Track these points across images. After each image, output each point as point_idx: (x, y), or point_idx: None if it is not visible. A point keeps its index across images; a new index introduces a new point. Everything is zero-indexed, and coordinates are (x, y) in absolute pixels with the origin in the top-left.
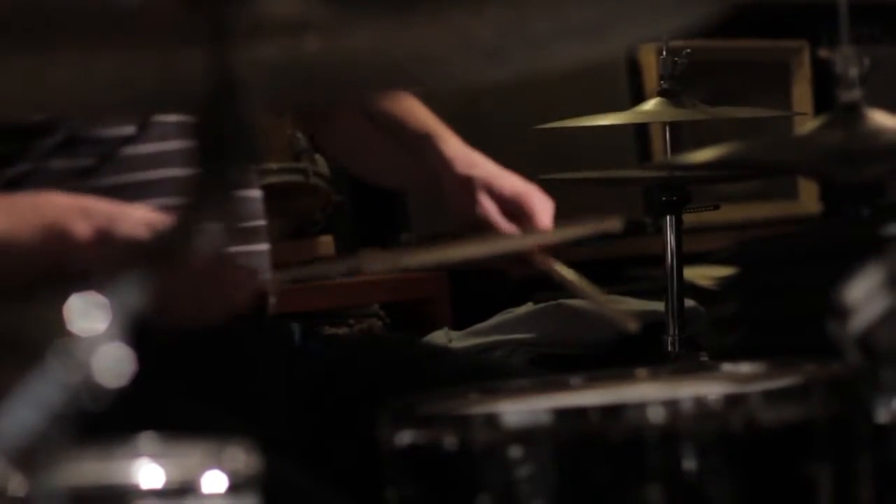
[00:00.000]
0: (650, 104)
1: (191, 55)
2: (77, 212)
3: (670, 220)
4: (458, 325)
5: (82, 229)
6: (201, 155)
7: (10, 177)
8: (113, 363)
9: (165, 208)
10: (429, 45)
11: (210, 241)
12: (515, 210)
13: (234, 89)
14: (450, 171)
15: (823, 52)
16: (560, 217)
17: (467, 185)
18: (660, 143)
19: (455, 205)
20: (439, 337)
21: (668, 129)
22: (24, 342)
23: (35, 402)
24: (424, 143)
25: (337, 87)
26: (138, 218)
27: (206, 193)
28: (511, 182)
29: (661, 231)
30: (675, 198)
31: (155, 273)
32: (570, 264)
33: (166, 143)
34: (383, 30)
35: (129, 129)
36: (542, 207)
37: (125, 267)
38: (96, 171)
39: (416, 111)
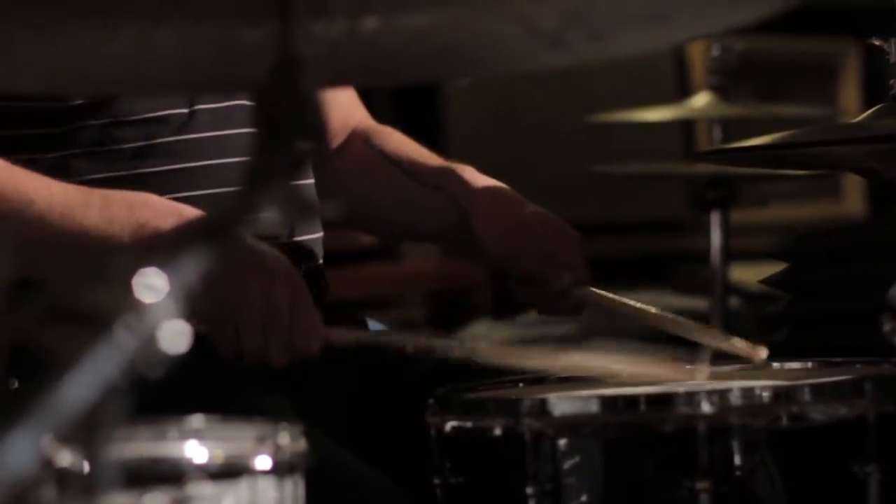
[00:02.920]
0: (700, 99)
1: (253, 31)
2: (171, 214)
3: (718, 218)
4: (499, 315)
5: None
6: (263, 131)
7: (56, 159)
8: (174, 336)
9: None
10: (490, 29)
11: (271, 222)
12: (544, 244)
13: (296, 66)
14: (480, 204)
15: (876, 41)
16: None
17: (499, 219)
18: (705, 139)
19: (486, 239)
20: (480, 328)
21: (717, 124)
22: (93, 314)
23: (98, 373)
24: (448, 177)
25: (395, 66)
26: None
27: (268, 172)
28: (539, 216)
29: (702, 228)
30: (723, 194)
31: (214, 251)
32: (609, 261)
33: (214, 131)
34: (445, 12)
35: (177, 116)
36: (572, 243)
37: (186, 244)
38: (142, 156)
39: (428, 153)
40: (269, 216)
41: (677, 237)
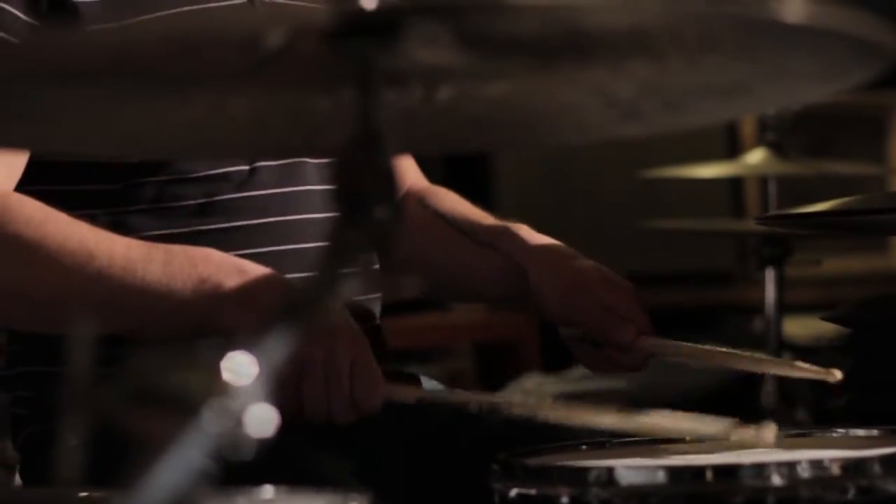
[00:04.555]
0: (754, 155)
1: (327, 99)
2: (233, 270)
3: (772, 274)
4: (548, 369)
5: (236, 287)
6: (343, 205)
7: (116, 215)
8: (260, 420)
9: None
10: (566, 98)
11: (348, 292)
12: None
13: (375, 138)
14: (536, 261)
15: None
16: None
17: (556, 276)
18: (755, 193)
19: (544, 297)
20: (529, 381)
21: (772, 181)
22: (180, 397)
23: (185, 457)
24: (504, 236)
25: (470, 135)
26: (290, 281)
27: (349, 246)
28: (596, 271)
29: (748, 280)
30: (777, 252)
31: (299, 328)
32: (655, 313)
33: (275, 189)
34: (522, 82)
35: (237, 173)
36: (631, 296)
37: (271, 324)
38: (203, 213)
39: (482, 212)
40: (351, 288)
41: (725, 289)
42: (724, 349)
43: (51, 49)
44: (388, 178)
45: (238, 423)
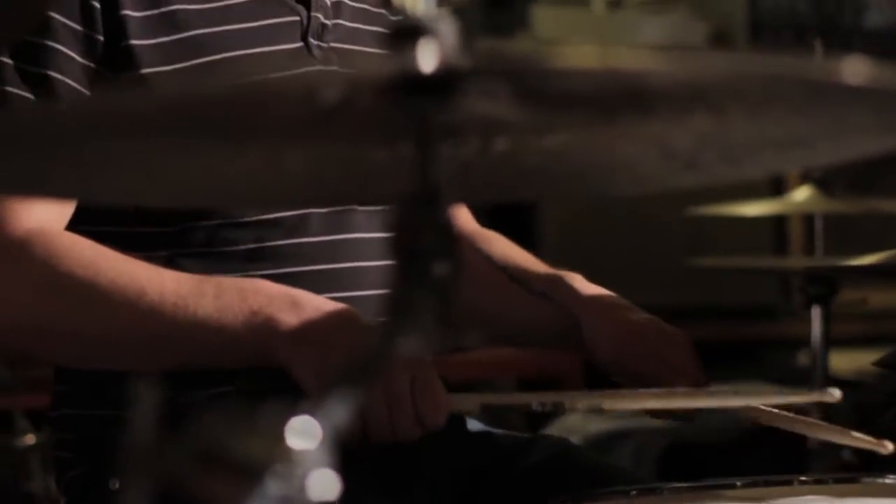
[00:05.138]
0: (801, 193)
1: (384, 151)
2: (285, 301)
3: (818, 312)
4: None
5: (289, 319)
6: (402, 260)
7: (167, 258)
8: (324, 484)
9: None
10: (623, 151)
11: (412, 348)
12: (657, 352)
13: (431, 191)
14: (590, 311)
15: None
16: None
17: (610, 327)
18: (800, 229)
19: (597, 347)
20: (572, 417)
21: (819, 217)
22: (243, 462)
23: None
24: (557, 285)
25: (526, 186)
26: (344, 313)
27: (409, 302)
28: (650, 324)
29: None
30: (823, 291)
31: (361, 388)
32: (698, 346)
33: (326, 236)
34: (579, 135)
35: (288, 219)
36: (685, 350)
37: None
38: (253, 258)
39: (534, 259)
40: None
41: (770, 323)
42: (775, 409)
43: (110, 103)
44: (447, 234)
45: (301, 488)
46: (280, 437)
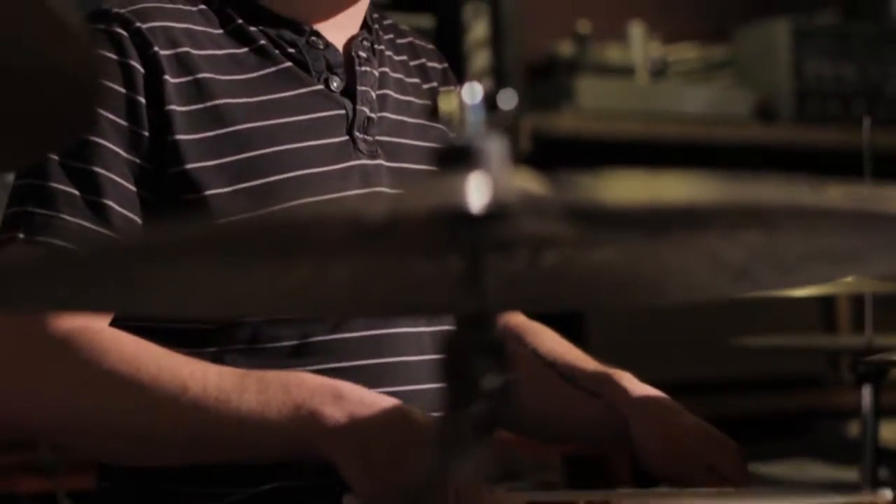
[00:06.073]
0: None
1: (432, 264)
2: (329, 395)
3: (868, 390)
4: (639, 483)
5: (333, 413)
6: (453, 385)
7: (212, 354)
8: None
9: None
10: (674, 262)
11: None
12: (704, 457)
13: (481, 303)
14: (640, 412)
15: None
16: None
17: (659, 429)
18: (847, 306)
19: (645, 448)
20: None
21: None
22: None
23: None
24: (606, 384)
25: (575, 296)
26: (389, 406)
27: (461, 427)
28: (699, 428)
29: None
30: (873, 370)
31: None
32: (746, 419)
33: (370, 331)
34: (629, 248)
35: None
36: (732, 457)
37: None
38: (298, 354)
39: (582, 354)
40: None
41: (818, 394)
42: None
43: (164, 230)
44: (499, 353)
45: None
46: None
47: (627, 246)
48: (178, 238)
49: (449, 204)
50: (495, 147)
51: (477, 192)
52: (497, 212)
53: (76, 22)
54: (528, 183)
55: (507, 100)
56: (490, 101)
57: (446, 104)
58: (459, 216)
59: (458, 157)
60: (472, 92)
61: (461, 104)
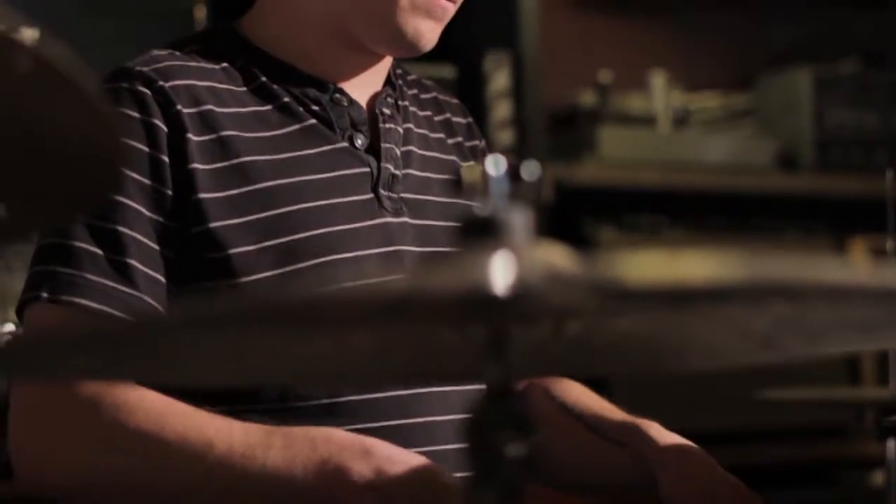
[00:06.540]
0: None
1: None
2: (356, 451)
3: (894, 443)
4: None
5: (360, 469)
6: (478, 463)
7: (240, 414)
8: None
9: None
10: (699, 332)
11: None
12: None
13: (507, 387)
14: (668, 464)
15: None
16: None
17: (688, 481)
18: (871, 356)
19: (672, 500)
20: None
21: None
22: None
23: None
24: (635, 435)
25: (601, 363)
26: (417, 464)
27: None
28: (727, 482)
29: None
30: None
31: None
32: (771, 468)
33: (397, 391)
34: (653, 317)
35: None
36: None
37: None
38: (325, 414)
39: (609, 405)
40: None
41: (842, 443)
42: None
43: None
44: (523, 420)
45: None
46: None
47: (651, 315)
48: (203, 314)
49: (473, 284)
50: (519, 219)
51: (501, 272)
52: (522, 291)
53: (107, 101)
54: (552, 257)
55: (531, 172)
56: (514, 173)
57: (470, 176)
58: (484, 296)
59: (482, 230)
60: (496, 164)
61: (485, 176)
